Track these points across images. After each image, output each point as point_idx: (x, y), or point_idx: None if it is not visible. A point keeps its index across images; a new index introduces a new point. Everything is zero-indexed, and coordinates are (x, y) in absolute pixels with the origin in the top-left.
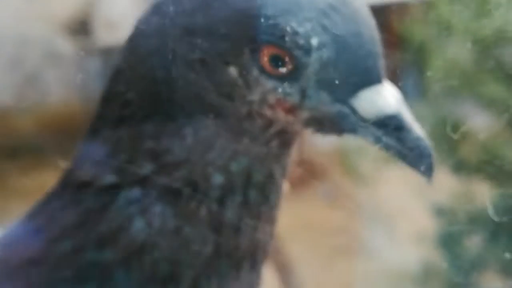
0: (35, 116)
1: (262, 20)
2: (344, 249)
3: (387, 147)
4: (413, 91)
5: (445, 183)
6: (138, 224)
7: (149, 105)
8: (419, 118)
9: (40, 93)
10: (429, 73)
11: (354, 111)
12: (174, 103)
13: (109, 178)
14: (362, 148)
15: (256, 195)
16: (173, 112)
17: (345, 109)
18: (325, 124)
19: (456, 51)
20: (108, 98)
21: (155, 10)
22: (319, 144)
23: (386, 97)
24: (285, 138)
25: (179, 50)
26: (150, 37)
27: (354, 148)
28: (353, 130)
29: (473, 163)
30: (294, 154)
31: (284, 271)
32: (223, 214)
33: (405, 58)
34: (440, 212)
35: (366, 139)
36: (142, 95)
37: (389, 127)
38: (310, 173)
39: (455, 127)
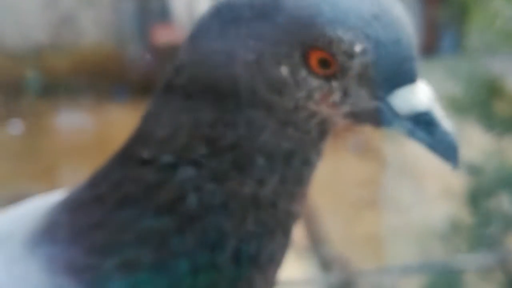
0: (70, 56)
1: (313, 27)
2: (371, 202)
3: (419, 139)
4: (452, 46)
5: (477, 141)
6: (192, 198)
7: (208, 98)
8: (456, 72)
9: (75, 34)
10: (468, 28)
11: (390, 107)
12: (230, 97)
13: (168, 158)
14: None
15: (293, 176)
16: (229, 104)
17: (382, 105)
18: (363, 117)
19: (496, 8)
20: (170, 88)
21: (216, 14)
22: None
23: (419, 95)
24: (324, 128)
25: (238, 52)
26: (212, 38)
27: None
28: (389, 124)
29: (506, 121)
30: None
31: (311, 221)
32: (263, 192)
33: (446, 13)
34: (470, 169)
35: (400, 131)
36: (202, 88)
37: (421, 122)
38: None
39: (491, 83)
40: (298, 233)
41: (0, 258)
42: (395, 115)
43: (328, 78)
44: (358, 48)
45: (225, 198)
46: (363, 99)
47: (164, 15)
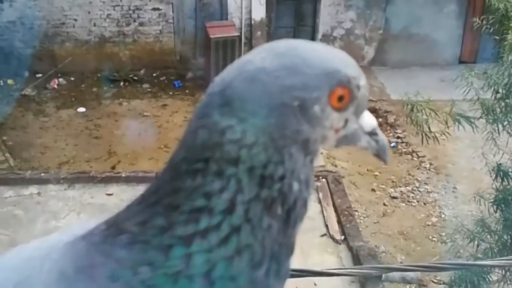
0: (131, 49)
1: (336, 73)
2: (405, 198)
3: (371, 148)
4: (490, 55)
5: (510, 146)
6: (246, 228)
7: (263, 140)
8: (493, 80)
9: (137, 28)
10: (507, 40)
11: (361, 127)
12: (279, 139)
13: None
14: (432, 104)
15: (310, 194)
16: (276, 145)
17: (358, 126)
18: (348, 138)
19: None
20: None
21: (250, 77)
22: (391, 95)
23: (371, 116)
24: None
25: (284, 101)
26: (260, 95)
27: (424, 104)
28: (359, 140)
29: None
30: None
31: (345, 215)
32: (294, 215)
33: (487, 22)
34: (500, 173)
35: (361, 145)
36: (261, 132)
37: (373, 135)
38: (380, 122)
39: None
40: (333, 226)
41: None
42: (363, 133)
43: (339, 111)
44: (362, 82)
45: (268, 218)
46: (353, 124)
47: (220, 14)
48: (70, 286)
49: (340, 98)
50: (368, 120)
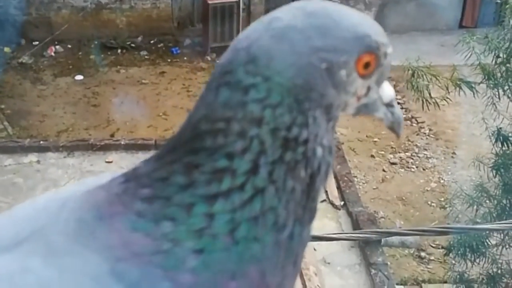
0: (128, 16)
1: (366, 38)
2: (404, 164)
3: (386, 119)
4: (492, 20)
5: (510, 111)
6: (270, 190)
7: (287, 101)
8: (494, 45)
9: None
10: (508, 3)
11: (380, 98)
12: (304, 100)
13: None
14: (433, 69)
15: (331, 163)
16: (301, 107)
17: (379, 96)
18: (368, 108)
19: None
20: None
21: (279, 34)
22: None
23: (390, 87)
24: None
25: (312, 63)
26: (288, 54)
27: (424, 69)
28: (377, 110)
29: None
30: None
31: (345, 180)
32: (318, 175)
33: None
34: (499, 138)
35: (378, 115)
36: (282, 92)
37: (390, 106)
38: None
39: None
40: (333, 191)
41: (41, 251)
42: (381, 103)
43: (364, 78)
44: (390, 50)
45: (291, 180)
46: (374, 92)
47: None
48: (90, 234)
49: (367, 65)
50: (388, 90)
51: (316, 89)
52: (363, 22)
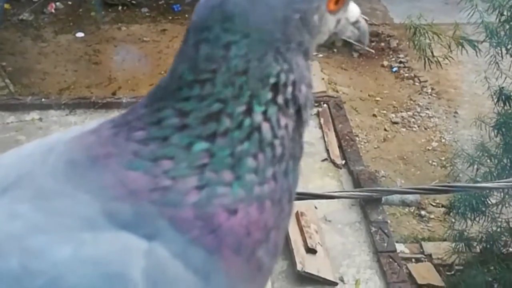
0: None
1: None
2: (406, 123)
3: (353, 36)
4: None
5: None
6: (265, 126)
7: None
8: (498, 2)
9: None
10: None
11: (347, 19)
12: (286, 52)
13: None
14: (436, 27)
15: (312, 96)
16: (284, 57)
17: (346, 20)
18: (338, 34)
19: None
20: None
21: None
22: (394, 19)
23: (355, 5)
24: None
25: (287, 15)
26: (264, 11)
27: (427, 27)
28: (346, 32)
29: None
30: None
31: (346, 139)
32: (305, 110)
33: None
34: (502, 97)
35: (346, 35)
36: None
37: (356, 23)
38: (383, 47)
39: None
40: (334, 150)
41: (29, 195)
42: (349, 23)
43: (335, 12)
44: None
45: (285, 120)
46: (343, 20)
47: None
48: (81, 175)
49: (337, 1)
50: (353, 10)
51: (295, 39)
52: None
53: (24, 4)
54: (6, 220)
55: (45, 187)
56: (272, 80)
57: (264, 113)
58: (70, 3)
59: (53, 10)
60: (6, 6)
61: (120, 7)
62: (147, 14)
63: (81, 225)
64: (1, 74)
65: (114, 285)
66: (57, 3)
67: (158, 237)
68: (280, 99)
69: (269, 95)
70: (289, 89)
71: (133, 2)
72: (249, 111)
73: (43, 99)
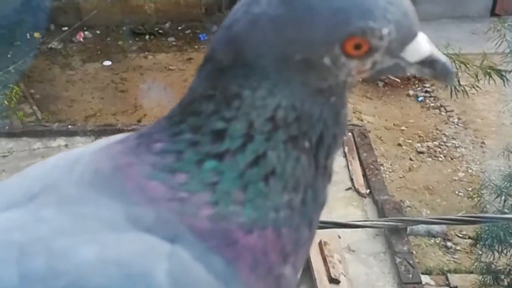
0: (157, 2)
1: (348, 24)
2: (432, 153)
3: (425, 74)
4: None
5: None
6: (272, 155)
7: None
8: None
9: None
10: None
11: (404, 60)
12: (284, 89)
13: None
14: (463, 57)
15: (340, 131)
16: (283, 93)
17: (398, 60)
18: (384, 72)
19: None
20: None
21: (253, 21)
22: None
23: (422, 44)
24: (351, 85)
25: (286, 54)
26: (261, 44)
27: (454, 57)
28: (403, 71)
29: None
30: None
31: (371, 168)
32: (322, 145)
33: None
34: None
35: (410, 73)
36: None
37: (427, 62)
38: (409, 76)
39: None
40: (359, 179)
41: (54, 201)
42: (408, 64)
43: (361, 58)
44: (385, 31)
45: (296, 153)
46: (386, 62)
47: None
48: (105, 183)
49: (357, 47)
50: (417, 50)
51: (294, 79)
52: (345, 4)
53: (54, 33)
54: (32, 224)
55: (70, 194)
56: (267, 113)
57: (267, 140)
58: (98, 32)
59: (81, 39)
60: (36, 34)
61: (147, 36)
62: (173, 43)
63: (105, 227)
64: (29, 101)
65: (137, 285)
66: (86, 32)
67: (179, 241)
68: (282, 133)
69: (268, 126)
70: (293, 125)
71: (160, 31)
72: (250, 137)
73: (69, 126)
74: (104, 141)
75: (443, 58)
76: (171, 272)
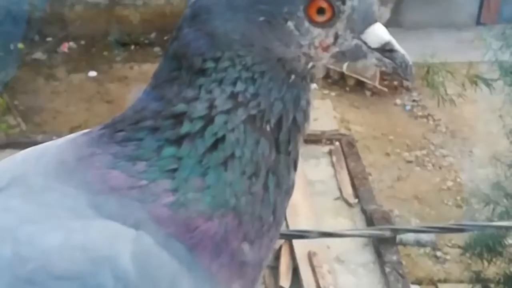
0: (142, 12)
1: None
2: (420, 162)
3: (385, 65)
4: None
5: None
6: (231, 138)
7: (228, 60)
8: None
9: None
10: None
11: (365, 43)
12: (245, 56)
13: (201, 110)
14: (449, 66)
15: (300, 117)
16: (244, 63)
17: (359, 42)
18: (346, 56)
19: None
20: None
21: None
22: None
23: (382, 30)
24: (315, 73)
25: (249, 17)
26: (225, 9)
27: (440, 66)
28: (364, 57)
29: None
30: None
31: (359, 178)
32: (281, 130)
33: None
34: None
35: (370, 62)
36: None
37: (386, 51)
38: (395, 86)
39: None
40: (347, 189)
41: (21, 192)
42: (369, 49)
43: (323, 25)
44: None
45: (255, 135)
46: (347, 40)
47: None
48: (69, 173)
49: (321, 11)
50: (377, 34)
51: (258, 43)
52: None
53: (38, 44)
54: None
55: (36, 184)
56: (228, 87)
57: (226, 123)
58: (83, 43)
59: (66, 50)
60: (20, 45)
61: (132, 47)
62: (159, 53)
63: (70, 215)
64: (13, 113)
65: (103, 269)
66: (70, 43)
67: (141, 227)
68: (241, 111)
69: (229, 104)
70: (252, 102)
71: (146, 41)
72: (210, 118)
73: (54, 137)
74: (72, 135)
75: (402, 50)
76: (136, 256)
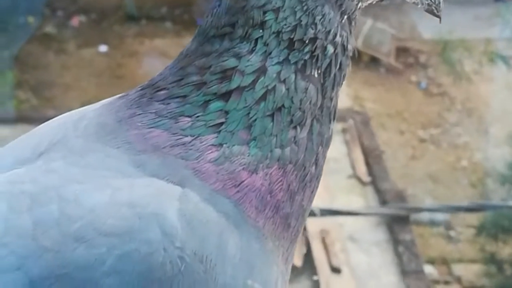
0: None
1: None
2: (435, 141)
3: (421, 3)
4: None
5: None
6: (281, 88)
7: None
8: None
9: None
10: None
11: None
12: (307, 1)
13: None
14: (466, 43)
15: (345, 61)
16: (305, 8)
17: None
18: None
19: None
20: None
21: None
22: (423, 34)
23: None
24: (357, 16)
25: None
26: None
27: (457, 43)
28: None
29: None
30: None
31: (373, 157)
32: (329, 74)
33: None
34: None
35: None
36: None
37: None
38: (411, 62)
39: None
40: (360, 167)
41: (62, 155)
42: None
43: None
44: None
45: (305, 81)
46: None
47: None
48: (110, 134)
49: None
50: None
51: None
52: None
53: (48, 18)
54: (42, 175)
55: (77, 147)
56: (286, 35)
57: (279, 73)
58: (93, 17)
59: (76, 24)
60: (30, 19)
61: (143, 21)
62: (170, 28)
63: (114, 174)
64: (23, 88)
65: (151, 225)
66: (81, 17)
67: (186, 185)
68: (295, 58)
69: (284, 54)
70: (307, 48)
71: (156, 16)
72: (262, 70)
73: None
74: (107, 100)
75: None
76: (183, 212)
